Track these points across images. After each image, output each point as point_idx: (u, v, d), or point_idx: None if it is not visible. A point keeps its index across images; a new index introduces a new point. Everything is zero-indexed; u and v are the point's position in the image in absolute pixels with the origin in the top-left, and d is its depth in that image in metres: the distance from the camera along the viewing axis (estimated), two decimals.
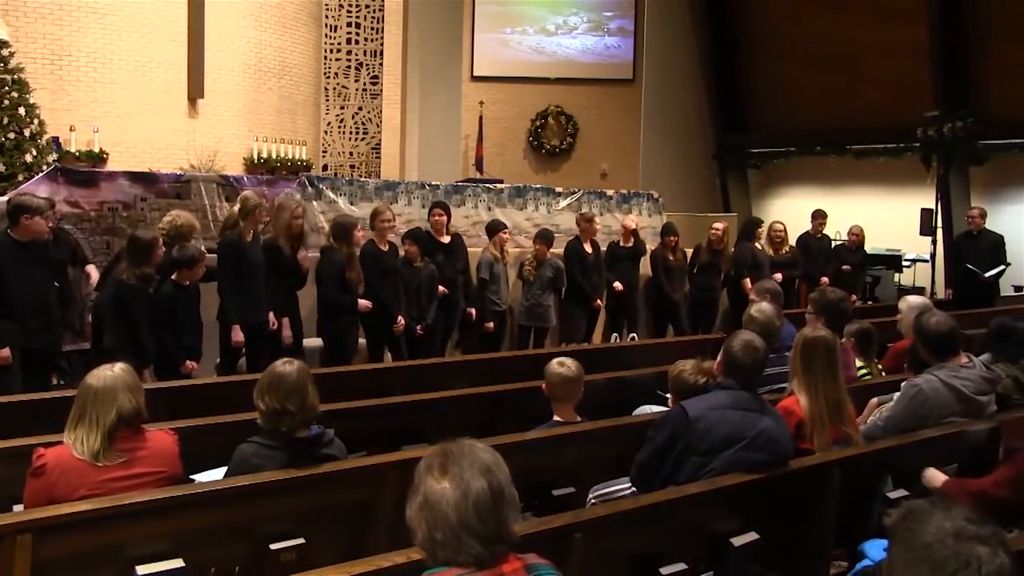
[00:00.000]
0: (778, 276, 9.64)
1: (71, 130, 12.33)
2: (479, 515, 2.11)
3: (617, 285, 10.12)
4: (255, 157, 14.10)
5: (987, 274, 11.51)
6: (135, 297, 6.47)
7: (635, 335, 10.23)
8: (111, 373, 3.71)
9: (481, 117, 16.95)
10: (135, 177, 8.80)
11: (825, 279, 10.88)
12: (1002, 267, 11.66)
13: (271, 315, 7.48)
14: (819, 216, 11.97)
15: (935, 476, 4.24)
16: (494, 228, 9.45)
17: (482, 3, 17.45)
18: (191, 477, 3.91)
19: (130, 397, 3.68)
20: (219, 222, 8.89)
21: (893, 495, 4.21)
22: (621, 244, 10.40)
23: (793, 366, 4.65)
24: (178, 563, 3.34)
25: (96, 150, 12.48)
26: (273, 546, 3.55)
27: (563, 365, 4.68)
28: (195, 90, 13.67)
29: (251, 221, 7.39)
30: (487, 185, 11.77)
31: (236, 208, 7.52)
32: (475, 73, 17.42)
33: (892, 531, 1.94)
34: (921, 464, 4.35)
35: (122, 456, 3.63)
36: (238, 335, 7.25)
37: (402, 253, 8.44)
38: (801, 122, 16.83)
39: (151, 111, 13.23)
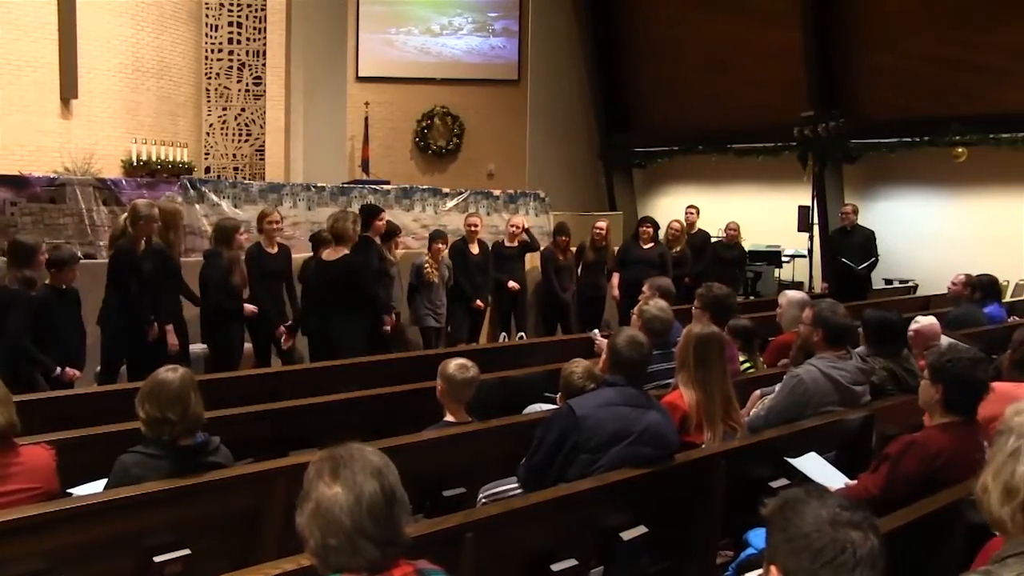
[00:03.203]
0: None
1: None
2: (373, 518, 2.10)
3: (512, 284, 10.15)
4: (134, 159, 13.69)
5: (860, 268, 11.96)
6: (16, 302, 6.23)
7: (523, 334, 10.28)
8: None
9: (367, 118, 16.80)
10: (4, 181, 8.50)
11: (687, 279, 11.03)
12: (873, 260, 12.14)
13: (154, 327, 7.31)
14: (689, 210, 12.31)
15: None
16: (390, 232, 9.34)
17: (366, 3, 17.30)
18: (68, 491, 3.78)
19: (3, 410, 3.55)
20: (97, 227, 8.67)
21: (776, 484, 4.33)
22: (506, 244, 10.43)
23: (682, 361, 4.70)
24: None
25: None
26: (157, 558, 3.46)
27: (465, 368, 4.67)
28: (68, 90, 13.18)
29: (140, 230, 7.22)
30: (373, 186, 11.71)
31: (124, 217, 7.37)
32: (360, 74, 17.25)
33: (770, 520, 2.00)
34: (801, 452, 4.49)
35: None
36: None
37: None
38: (684, 122, 17.15)
39: (20, 111, 12.68)
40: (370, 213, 8.73)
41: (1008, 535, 2.33)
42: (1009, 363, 4.68)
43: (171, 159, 14.19)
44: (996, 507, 2.33)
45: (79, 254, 7.07)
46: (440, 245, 9.48)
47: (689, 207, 12.44)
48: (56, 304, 6.55)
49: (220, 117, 15.48)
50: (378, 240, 8.74)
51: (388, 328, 8.56)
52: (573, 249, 10.90)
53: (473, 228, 9.99)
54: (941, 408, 3.90)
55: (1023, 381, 4.37)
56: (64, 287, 6.60)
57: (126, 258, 7.10)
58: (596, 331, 7.51)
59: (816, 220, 14.34)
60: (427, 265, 9.36)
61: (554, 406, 4.84)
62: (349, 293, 7.55)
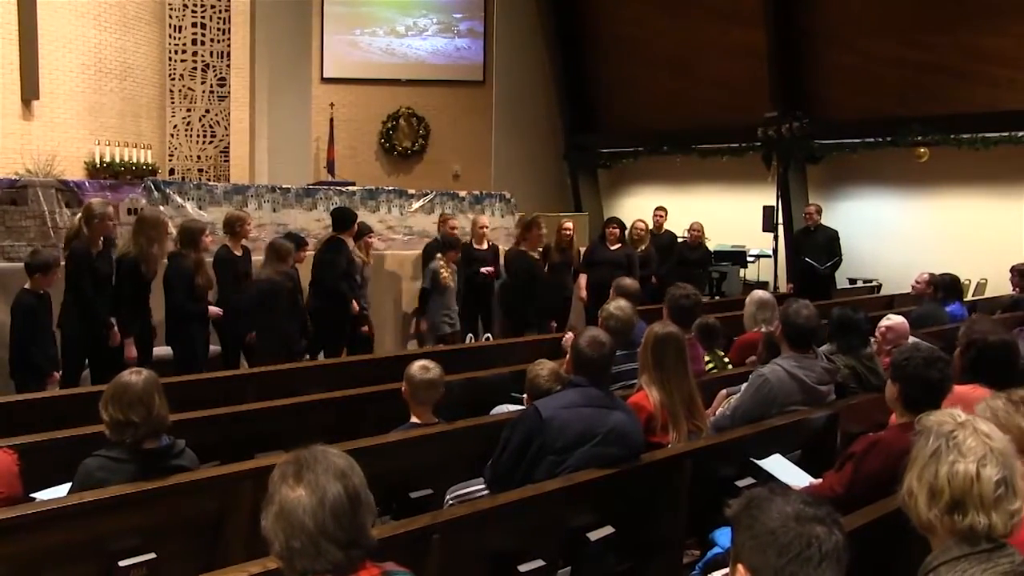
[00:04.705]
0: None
1: None
2: (337, 520, 2.10)
3: (487, 269, 10.13)
4: (97, 161, 13.55)
5: (823, 267, 12.07)
6: (279, 292, 7.00)
7: (490, 335, 10.27)
8: None
9: (332, 119, 16.76)
10: None
11: (653, 279, 11.06)
12: (837, 260, 12.25)
13: (115, 331, 7.24)
14: (658, 211, 12.36)
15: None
16: (360, 231, 9.33)
17: (331, 4, 17.26)
18: (32, 496, 3.74)
19: None
20: (59, 229, 8.56)
21: (741, 483, 4.36)
22: (475, 246, 10.41)
23: (643, 361, 4.75)
24: None
25: None
26: (122, 563, 3.43)
27: (426, 369, 4.68)
28: (29, 91, 13.01)
29: (96, 230, 7.13)
30: (339, 188, 11.66)
31: (79, 217, 7.27)
32: (325, 75, 17.22)
33: (735, 520, 2.02)
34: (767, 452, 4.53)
35: None
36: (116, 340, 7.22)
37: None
38: (648, 122, 17.24)
39: None
40: (351, 218, 8.93)
41: (937, 538, 2.35)
42: (960, 368, 4.70)
43: (135, 161, 14.05)
44: (924, 510, 2.34)
45: (58, 256, 7.03)
46: (454, 252, 9.57)
47: (657, 209, 12.48)
48: (38, 308, 6.55)
49: (184, 118, 15.35)
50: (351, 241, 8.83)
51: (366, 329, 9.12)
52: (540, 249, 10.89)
53: (454, 230, 10.02)
54: (901, 407, 3.94)
55: (977, 384, 4.40)
56: (42, 292, 6.58)
57: (81, 259, 7.03)
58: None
59: (780, 220, 14.46)
60: (443, 270, 9.36)
61: (521, 406, 4.85)
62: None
